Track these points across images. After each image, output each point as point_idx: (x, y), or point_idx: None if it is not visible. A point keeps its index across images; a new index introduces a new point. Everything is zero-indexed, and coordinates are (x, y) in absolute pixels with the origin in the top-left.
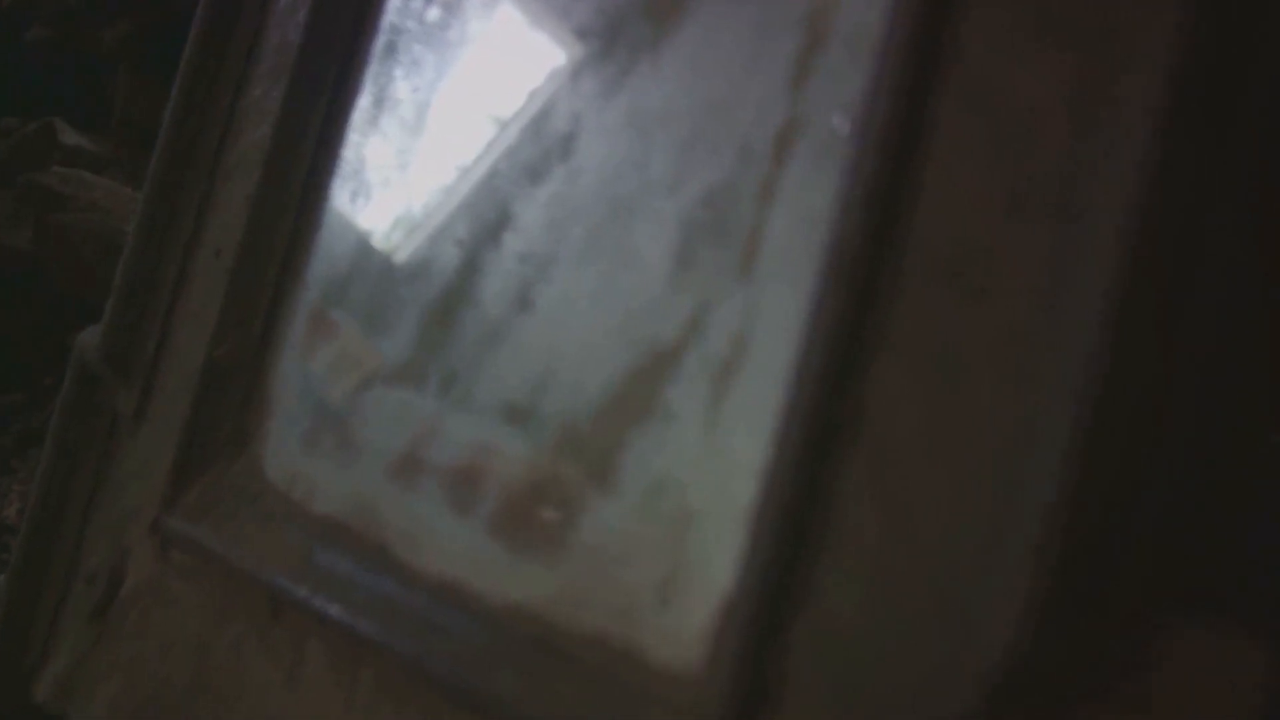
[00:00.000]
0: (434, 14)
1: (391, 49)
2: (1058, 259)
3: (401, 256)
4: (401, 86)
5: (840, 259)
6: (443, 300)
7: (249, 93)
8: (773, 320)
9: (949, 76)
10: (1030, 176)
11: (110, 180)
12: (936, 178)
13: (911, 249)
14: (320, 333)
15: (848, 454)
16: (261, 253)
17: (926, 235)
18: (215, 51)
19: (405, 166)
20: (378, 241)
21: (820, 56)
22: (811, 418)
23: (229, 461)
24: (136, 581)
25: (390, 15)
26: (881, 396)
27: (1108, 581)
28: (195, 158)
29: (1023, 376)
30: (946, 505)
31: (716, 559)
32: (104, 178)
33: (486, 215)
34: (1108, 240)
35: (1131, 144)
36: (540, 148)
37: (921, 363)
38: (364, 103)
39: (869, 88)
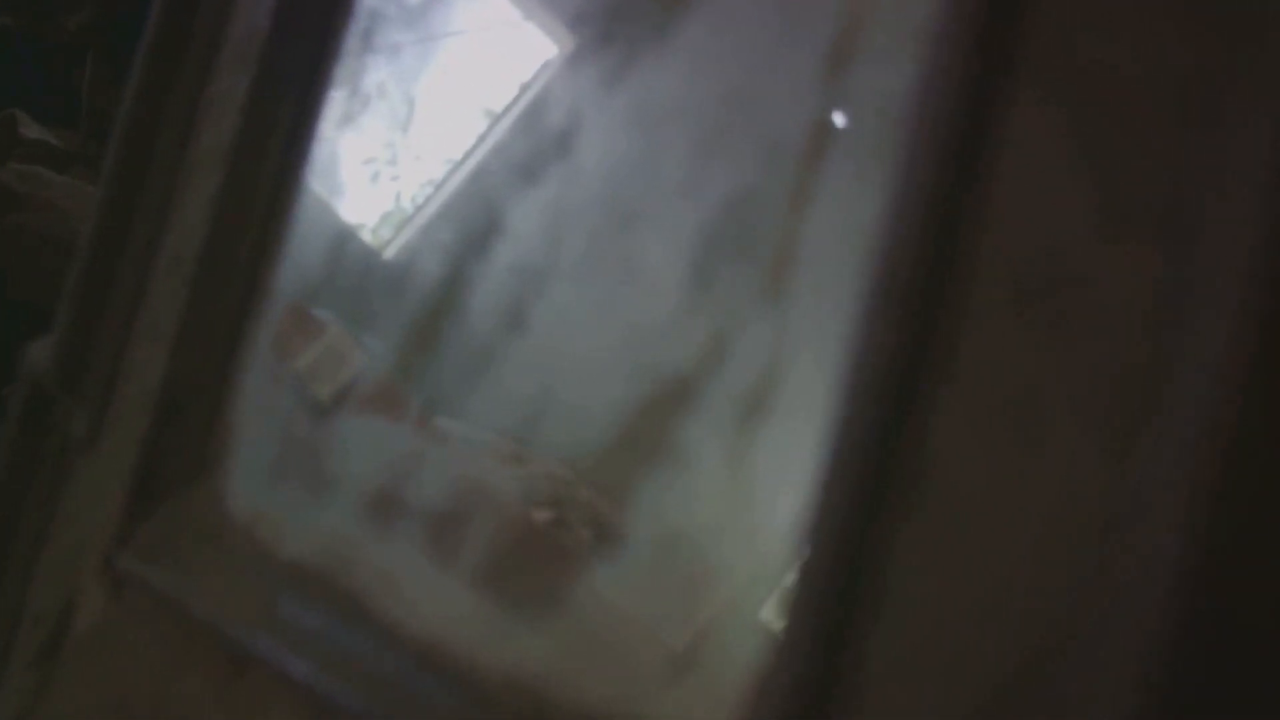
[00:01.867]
0: None
1: (369, 36)
2: (1164, 286)
3: (379, 267)
4: (381, 77)
5: (890, 280)
6: (425, 317)
7: (213, 83)
8: (808, 350)
9: (1025, 60)
10: (1128, 185)
11: (74, 178)
12: (1009, 184)
13: (978, 270)
14: (299, 333)
15: (903, 514)
16: (226, 261)
17: (997, 254)
18: (176, 38)
19: (385, 166)
20: (353, 250)
21: (862, 39)
22: (858, 468)
23: (188, 493)
24: (86, 625)
25: None
26: (943, 448)
27: (1233, 681)
28: (154, 156)
29: (1119, 431)
30: (1027, 582)
31: (742, 629)
32: (69, 175)
33: (474, 221)
34: (1233, 265)
35: (1264, 144)
36: (534, 146)
37: (992, 408)
38: (339, 95)
39: (923, 74)
